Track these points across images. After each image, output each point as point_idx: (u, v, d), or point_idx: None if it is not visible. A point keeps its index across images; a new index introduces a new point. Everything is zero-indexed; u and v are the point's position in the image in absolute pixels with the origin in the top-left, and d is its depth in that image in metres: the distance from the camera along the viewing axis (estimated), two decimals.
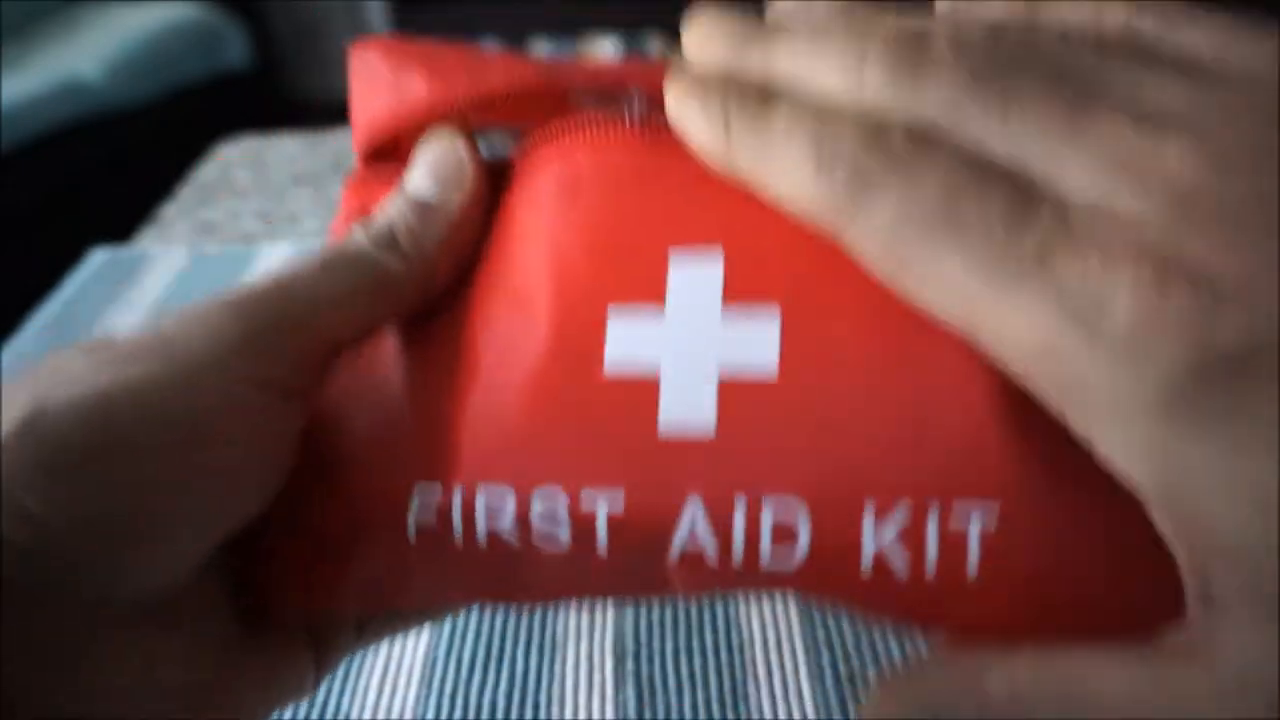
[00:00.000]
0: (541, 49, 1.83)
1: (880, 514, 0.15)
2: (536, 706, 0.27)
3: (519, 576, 0.18)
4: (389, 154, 0.21)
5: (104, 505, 0.14)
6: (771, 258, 0.16)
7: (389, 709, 0.27)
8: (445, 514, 0.17)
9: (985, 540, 0.15)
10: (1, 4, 1.68)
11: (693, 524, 0.16)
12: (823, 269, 0.16)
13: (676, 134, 0.17)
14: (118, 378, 0.15)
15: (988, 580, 0.15)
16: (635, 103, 0.19)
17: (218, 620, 0.18)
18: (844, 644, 0.28)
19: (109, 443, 0.15)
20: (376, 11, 1.82)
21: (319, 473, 0.18)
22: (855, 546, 0.15)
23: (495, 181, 0.20)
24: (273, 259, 0.51)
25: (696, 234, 0.17)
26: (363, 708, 0.27)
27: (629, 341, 0.17)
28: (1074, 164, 0.13)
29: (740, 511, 0.16)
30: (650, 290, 0.17)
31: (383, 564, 0.18)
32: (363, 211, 0.21)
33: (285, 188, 0.63)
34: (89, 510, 0.14)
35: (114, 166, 1.67)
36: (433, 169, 0.19)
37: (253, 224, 0.59)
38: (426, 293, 0.19)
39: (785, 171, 0.15)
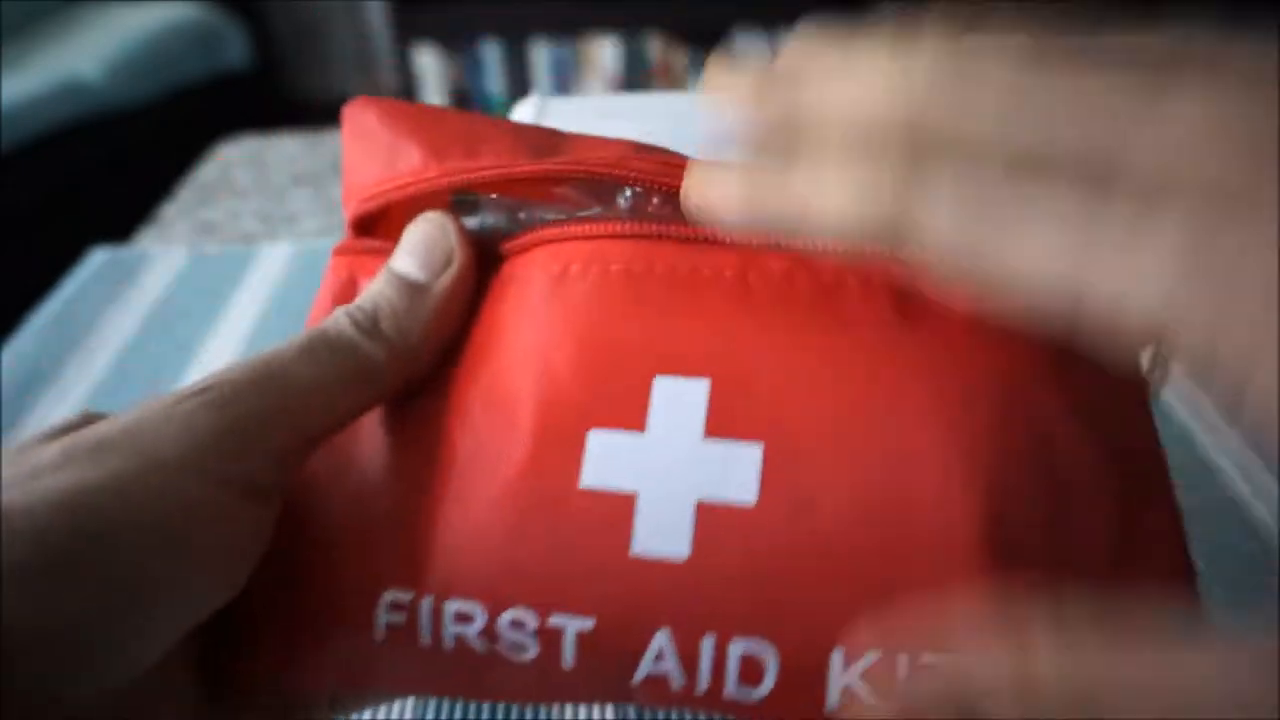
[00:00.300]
0: (541, 49, 1.83)
1: (849, 660, 0.15)
2: (537, 706, 0.27)
3: (485, 680, 0.18)
4: (378, 222, 0.21)
5: (70, 610, 0.14)
6: (757, 391, 0.16)
7: (389, 709, 0.27)
8: (413, 619, 0.17)
9: None
10: (2, 4, 1.68)
11: (659, 654, 0.16)
12: (807, 406, 0.16)
13: (669, 234, 0.17)
14: (86, 475, 0.14)
15: None
16: (628, 195, 0.19)
17: (185, 701, 0.17)
18: None
19: (77, 546, 0.14)
20: (376, 11, 1.81)
21: (292, 560, 0.18)
22: (820, 686, 0.15)
23: (483, 262, 0.20)
24: (273, 259, 0.51)
25: (683, 363, 0.17)
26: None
27: (608, 463, 0.16)
28: (1143, 140, 0.12)
29: (708, 648, 0.16)
30: (633, 416, 0.17)
31: (351, 655, 0.18)
32: (350, 282, 0.21)
33: (285, 188, 0.63)
34: (56, 615, 0.14)
35: (114, 166, 1.67)
36: (421, 251, 0.19)
37: (253, 224, 0.59)
38: (409, 378, 0.19)
39: (828, 195, 0.13)
